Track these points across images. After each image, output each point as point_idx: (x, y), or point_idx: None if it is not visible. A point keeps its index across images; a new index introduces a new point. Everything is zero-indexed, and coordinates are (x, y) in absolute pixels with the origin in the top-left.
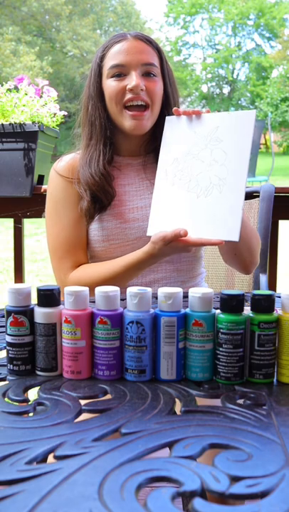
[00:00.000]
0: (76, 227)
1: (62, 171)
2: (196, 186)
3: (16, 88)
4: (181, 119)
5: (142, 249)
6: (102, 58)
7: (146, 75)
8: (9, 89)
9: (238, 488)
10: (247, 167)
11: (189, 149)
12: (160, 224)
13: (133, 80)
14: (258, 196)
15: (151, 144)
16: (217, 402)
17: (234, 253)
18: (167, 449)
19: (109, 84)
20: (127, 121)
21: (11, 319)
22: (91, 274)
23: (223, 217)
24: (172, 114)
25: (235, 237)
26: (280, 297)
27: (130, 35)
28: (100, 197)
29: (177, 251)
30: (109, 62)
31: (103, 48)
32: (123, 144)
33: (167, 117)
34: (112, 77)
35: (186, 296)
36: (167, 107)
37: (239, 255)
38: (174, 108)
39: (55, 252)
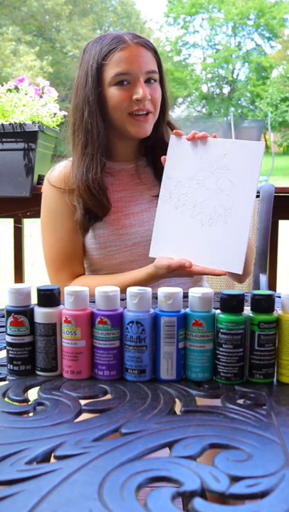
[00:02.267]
0: (72, 237)
1: (55, 181)
2: (201, 213)
3: (16, 88)
4: (186, 140)
5: (145, 270)
6: (102, 65)
7: (147, 81)
8: (9, 89)
9: (238, 488)
10: (254, 199)
11: (194, 174)
12: (162, 247)
13: (140, 90)
14: (258, 196)
15: (142, 146)
16: (217, 402)
17: None
18: (167, 449)
19: (114, 93)
20: (132, 127)
21: (11, 319)
22: (90, 287)
23: (227, 249)
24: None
25: (239, 270)
26: (280, 297)
27: (130, 41)
28: (94, 210)
29: (179, 276)
30: (112, 70)
31: (101, 52)
32: (118, 148)
33: (172, 136)
34: (115, 84)
35: (186, 296)
36: (163, 108)
37: None
38: (175, 130)
39: (52, 264)
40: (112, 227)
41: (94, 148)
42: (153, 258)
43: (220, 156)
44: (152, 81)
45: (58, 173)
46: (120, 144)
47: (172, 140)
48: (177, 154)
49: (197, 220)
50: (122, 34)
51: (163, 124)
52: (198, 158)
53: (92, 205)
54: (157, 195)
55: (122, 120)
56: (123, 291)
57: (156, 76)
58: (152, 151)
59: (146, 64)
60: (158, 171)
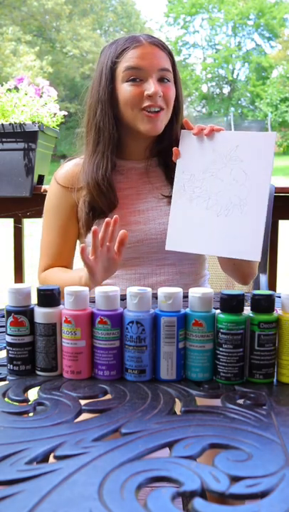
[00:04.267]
0: (61, 234)
1: (60, 178)
2: (216, 205)
3: (16, 88)
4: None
5: (79, 275)
6: (115, 63)
7: (161, 80)
8: (9, 89)
9: (238, 488)
10: (268, 189)
11: (207, 166)
12: (179, 239)
13: (152, 86)
14: None
15: (156, 146)
16: (217, 402)
17: (233, 263)
18: (167, 449)
19: (125, 89)
20: (143, 123)
21: (11, 319)
22: (55, 278)
23: (244, 238)
24: (184, 127)
25: (257, 258)
26: (280, 297)
27: (145, 40)
28: (100, 206)
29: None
30: (124, 66)
31: (116, 51)
32: (130, 147)
33: (183, 131)
34: (127, 81)
35: (186, 296)
36: (177, 109)
37: (238, 265)
38: (185, 119)
39: (41, 249)
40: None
41: (105, 146)
42: (168, 251)
43: (232, 147)
44: (166, 80)
45: (64, 171)
46: (132, 142)
47: (183, 135)
48: (189, 148)
49: (213, 211)
50: (137, 35)
51: (177, 126)
52: (211, 151)
53: (100, 202)
54: (166, 196)
55: (133, 117)
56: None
57: (170, 75)
58: (165, 152)
59: (159, 62)
60: (169, 172)
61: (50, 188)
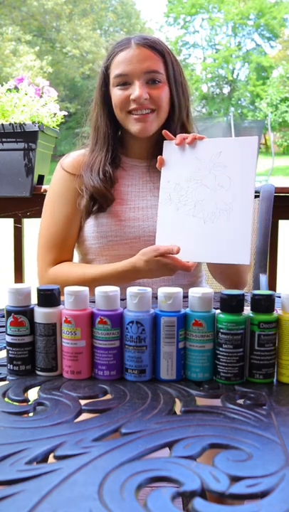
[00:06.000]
0: (68, 223)
1: (67, 166)
2: (202, 211)
3: (16, 88)
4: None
5: (128, 259)
6: (107, 67)
7: (151, 82)
8: (9, 89)
9: (238, 488)
10: (253, 192)
11: (192, 175)
12: None
13: (136, 90)
14: (258, 196)
15: (157, 146)
16: (217, 402)
17: (220, 271)
18: (167, 449)
19: (115, 93)
20: (132, 125)
21: (11, 319)
22: (71, 273)
23: (232, 242)
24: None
25: (246, 261)
26: (280, 297)
27: (134, 42)
28: (99, 200)
29: (163, 269)
30: (113, 72)
31: (108, 55)
32: (132, 146)
33: (165, 141)
34: (117, 85)
35: (186, 296)
36: (173, 110)
37: (225, 273)
38: (164, 131)
39: (43, 243)
40: (116, 218)
41: (101, 146)
42: None
43: (215, 154)
44: (157, 82)
45: (72, 159)
46: (133, 142)
47: (165, 145)
48: (173, 158)
49: (199, 219)
50: (130, 37)
51: (174, 125)
52: (194, 159)
53: (97, 196)
54: None
55: (123, 119)
56: (105, 280)
57: (161, 77)
58: None
59: (146, 65)
60: None
61: (56, 176)
